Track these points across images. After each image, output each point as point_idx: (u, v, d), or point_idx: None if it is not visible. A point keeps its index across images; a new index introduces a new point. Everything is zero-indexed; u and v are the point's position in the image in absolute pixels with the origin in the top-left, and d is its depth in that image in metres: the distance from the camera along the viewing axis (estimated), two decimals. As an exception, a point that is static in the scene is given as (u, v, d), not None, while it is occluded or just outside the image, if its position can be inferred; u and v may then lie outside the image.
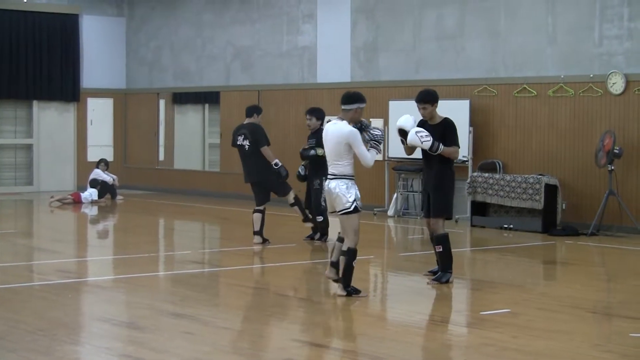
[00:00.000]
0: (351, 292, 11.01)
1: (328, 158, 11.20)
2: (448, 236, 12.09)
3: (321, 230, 15.75)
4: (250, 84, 24.59)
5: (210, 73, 25.69)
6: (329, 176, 11.10)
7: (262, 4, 24.39)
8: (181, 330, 9.21)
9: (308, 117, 15.66)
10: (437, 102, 12.25)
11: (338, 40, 22.68)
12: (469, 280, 12.51)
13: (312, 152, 15.21)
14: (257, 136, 15.45)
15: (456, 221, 19.34)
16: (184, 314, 9.96)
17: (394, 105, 20.77)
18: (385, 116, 21.07)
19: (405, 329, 9.65)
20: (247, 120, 15.71)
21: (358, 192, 11.03)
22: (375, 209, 21.02)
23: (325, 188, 11.18)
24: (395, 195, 20.96)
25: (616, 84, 18.12)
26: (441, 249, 12.00)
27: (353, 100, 11.11)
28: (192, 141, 26.86)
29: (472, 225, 18.73)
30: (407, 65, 21.42)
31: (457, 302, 11.32)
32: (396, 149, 20.53)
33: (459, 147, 12.20)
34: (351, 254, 11.03)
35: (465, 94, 19.95)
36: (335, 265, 11.24)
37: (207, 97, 26.12)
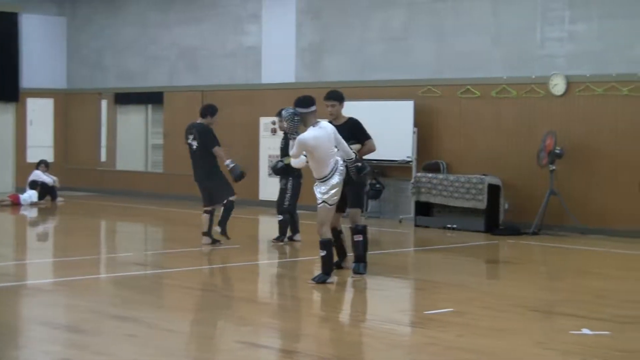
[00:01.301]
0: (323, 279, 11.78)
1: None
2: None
3: (282, 230, 15.69)
4: (195, 84, 24.46)
5: (155, 73, 25.52)
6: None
7: (207, 3, 24.28)
8: (124, 333, 9.09)
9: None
10: (343, 101, 12.66)
11: (283, 40, 22.63)
12: (413, 280, 12.53)
13: (280, 164, 15.14)
14: (205, 139, 15.21)
15: (400, 221, 19.40)
16: (127, 317, 9.83)
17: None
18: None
19: (350, 329, 9.63)
20: (199, 120, 15.54)
21: (325, 189, 11.70)
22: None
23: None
24: (339, 195, 20.91)
25: (558, 85, 18.29)
26: (361, 238, 12.22)
27: (309, 104, 11.81)
28: (135, 142, 26.62)
29: (416, 225, 18.79)
30: (353, 66, 21.43)
31: (401, 302, 11.33)
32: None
33: (372, 138, 12.71)
34: (320, 245, 11.86)
35: (410, 94, 20.01)
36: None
37: (151, 98, 25.90)
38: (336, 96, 12.55)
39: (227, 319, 10.07)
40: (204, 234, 15.32)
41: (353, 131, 12.44)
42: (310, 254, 14.04)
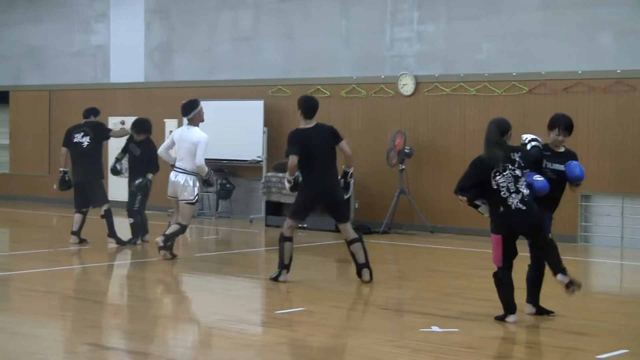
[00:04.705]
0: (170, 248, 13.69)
1: (180, 156, 13.68)
2: (284, 237, 12.10)
3: (134, 232, 15.51)
4: (42, 84, 23.93)
5: (-1, 72, 24.88)
6: (177, 169, 13.66)
7: (53, 2, 23.79)
8: (-34, 337, 8.79)
9: None
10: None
11: (132, 40, 22.36)
12: (263, 280, 12.47)
13: (141, 181, 15.11)
14: (100, 130, 15.67)
15: (251, 221, 19.36)
16: (-31, 321, 9.51)
17: (188, 106, 20.56)
18: (179, 117, 20.82)
19: (200, 329, 9.53)
20: (84, 121, 15.75)
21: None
22: (169, 210, 20.78)
23: (173, 179, 13.68)
24: (190, 196, 20.76)
25: (407, 85, 18.53)
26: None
27: (190, 109, 13.75)
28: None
29: (267, 225, 18.79)
30: (202, 66, 21.31)
31: (252, 302, 11.27)
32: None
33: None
34: (184, 228, 13.89)
35: (260, 94, 20.01)
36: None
37: (-5, 97, 25.22)
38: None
39: (75, 321, 9.83)
40: (73, 233, 15.41)
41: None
42: (156, 255, 13.89)
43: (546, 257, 9.62)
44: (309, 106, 11.97)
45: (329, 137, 11.96)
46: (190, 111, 13.74)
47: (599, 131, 16.78)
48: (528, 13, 17.63)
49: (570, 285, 9.51)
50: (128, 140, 15.62)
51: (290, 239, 12.07)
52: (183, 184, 13.64)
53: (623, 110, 16.78)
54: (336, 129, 12.13)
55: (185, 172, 13.66)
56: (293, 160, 11.69)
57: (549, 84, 17.37)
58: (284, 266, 12.02)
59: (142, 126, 15.49)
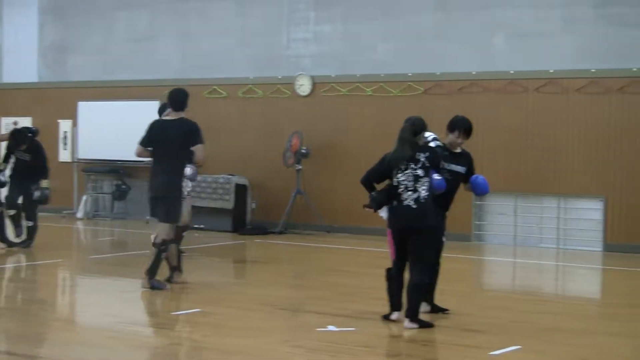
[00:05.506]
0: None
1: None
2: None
3: (30, 235, 15.26)
4: None
5: None
6: None
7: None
8: None
9: None
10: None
11: (25, 39, 22.01)
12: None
13: (41, 194, 14.91)
14: (39, 149, 15.22)
15: (147, 222, 19.19)
16: None
17: (83, 106, 20.33)
18: (73, 117, 20.59)
19: (95, 332, 9.38)
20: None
21: None
22: (63, 211, 20.51)
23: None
24: (84, 197, 20.52)
25: (303, 86, 18.57)
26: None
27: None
28: None
29: (164, 227, 18.57)
30: (98, 66, 21.06)
31: (148, 304, 11.14)
32: (87, 150, 20.17)
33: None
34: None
35: (156, 95, 19.77)
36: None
37: None
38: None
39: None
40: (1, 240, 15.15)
41: None
42: (50, 257, 13.68)
43: (409, 296, 9.41)
44: (174, 98, 11.57)
45: (184, 135, 11.39)
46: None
47: (493, 131, 17.02)
48: (424, 14, 17.81)
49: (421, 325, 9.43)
50: (10, 148, 15.23)
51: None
52: None
53: (516, 110, 17.06)
54: (197, 131, 11.48)
55: None
56: (137, 149, 11.54)
57: (444, 85, 17.56)
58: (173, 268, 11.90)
59: (20, 136, 15.17)
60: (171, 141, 11.34)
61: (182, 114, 11.52)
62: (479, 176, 10.12)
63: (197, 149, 11.39)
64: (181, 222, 11.98)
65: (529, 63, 16.94)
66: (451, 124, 10.09)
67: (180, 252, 12.02)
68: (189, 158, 11.50)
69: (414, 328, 9.28)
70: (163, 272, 11.68)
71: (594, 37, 16.59)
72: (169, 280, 11.82)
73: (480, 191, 10.20)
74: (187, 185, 12.03)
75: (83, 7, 21.41)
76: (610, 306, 11.52)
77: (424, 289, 9.60)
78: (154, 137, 11.44)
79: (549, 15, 16.92)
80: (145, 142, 11.48)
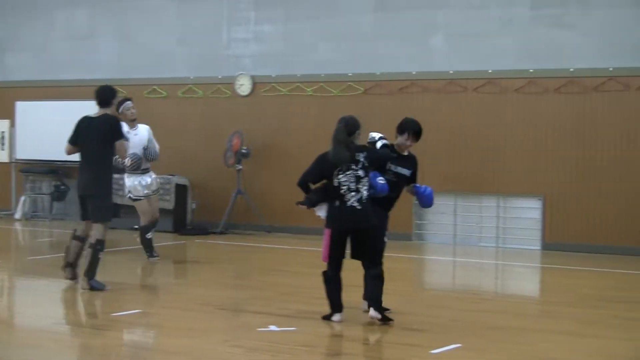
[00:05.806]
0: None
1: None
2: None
3: None
4: None
5: None
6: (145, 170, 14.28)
7: None
8: None
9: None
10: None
11: (-39, 37, 21.71)
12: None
13: None
14: None
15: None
16: None
17: (21, 106, 20.13)
18: (11, 117, 20.37)
19: (34, 333, 9.28)
20: None
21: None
22: (1, 212, 20.29)
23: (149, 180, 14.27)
24: (22, 197, 20.32)
25: (244, 86, 18.55)
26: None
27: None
28: None
29: (104, 227, 18.43)
30: (37, 65, 20.85)
31: (88, 305, 11.05)
32: (25, 151, 19.97)
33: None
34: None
35: (95, 94, 19.64)
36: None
37: None
38: None
39: None
40: None
41: None
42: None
43: (370, 287, 9.65)
44: (99, 95, 11.53)
45: (106, 131, 11.33)
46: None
47: (433, 131, 17.07)
48: (363, 15, 17.87)
49: (382, 321, 9.53)
50: None
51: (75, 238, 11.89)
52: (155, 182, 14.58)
53: (455, 110, 17.18)
54: (118, 126, 11.42)
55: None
56: (66, 147, 11.58)
57: (384, 85, 17.63)
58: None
59: None
60: (95, 138, 11.35)
61: (107, 111, 11.49)
62: (427, 188, 10.15)
63: (118, 145, 11.40)
64: (152, 218, 13.46)
65: (468, 63, 17.08)
66: (401, 126, 10.10)
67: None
68: (114, 154, 11.50)
69: (379, 318, 9.45)
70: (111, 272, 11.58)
71: (532, 37, 16.76)
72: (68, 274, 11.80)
73: (426, 203, 10.21)
74: (148, 185, 13.70)
75: (22, 4, 21.17)
76: (549, 304, 11.64)
77: (383, 278, 9.64)
78: (80, 135, 11.42)
79: (487, 15, 17.06)
80: (73, 139, 11.48)
